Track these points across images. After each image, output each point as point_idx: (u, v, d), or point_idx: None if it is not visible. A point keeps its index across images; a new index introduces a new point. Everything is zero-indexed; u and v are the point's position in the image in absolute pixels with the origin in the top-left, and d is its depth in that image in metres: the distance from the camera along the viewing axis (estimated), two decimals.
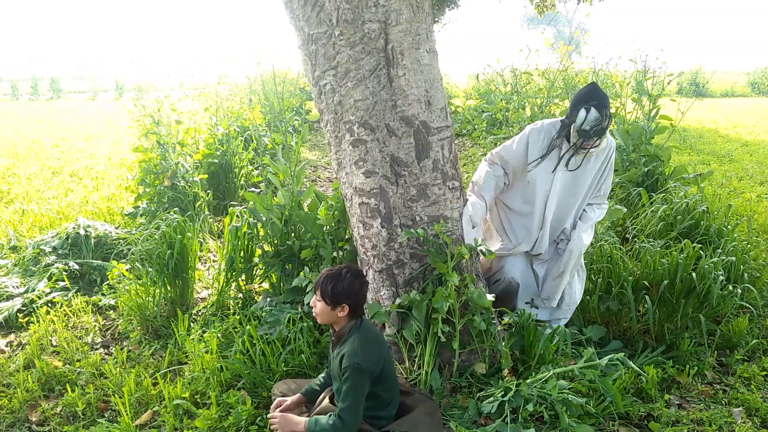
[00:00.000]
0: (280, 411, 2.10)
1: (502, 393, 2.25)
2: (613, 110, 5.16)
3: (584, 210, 2.87)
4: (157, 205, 4.55)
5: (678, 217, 3.67)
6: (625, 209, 3.54)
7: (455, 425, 2.17)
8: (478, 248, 2.46)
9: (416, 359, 2.48)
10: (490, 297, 2.49)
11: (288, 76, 12.82)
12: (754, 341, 2.91)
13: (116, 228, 4.33)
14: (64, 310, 3.26)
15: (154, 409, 2.40)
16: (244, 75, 9.25)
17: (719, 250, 3.11)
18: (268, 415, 2.10)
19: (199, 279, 3.66)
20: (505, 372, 2.52)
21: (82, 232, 3.95)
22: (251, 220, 3.21)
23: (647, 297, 2.89)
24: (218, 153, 5.32)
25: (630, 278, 2.98)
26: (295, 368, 2.56)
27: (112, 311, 3.37)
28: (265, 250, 3.18)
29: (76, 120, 14.05)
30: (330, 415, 1.94)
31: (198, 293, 3.54)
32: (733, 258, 3.06)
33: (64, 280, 3.56)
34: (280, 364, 2.52)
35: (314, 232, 2.89)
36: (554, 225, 2.86)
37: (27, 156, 8.42)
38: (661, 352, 2.78)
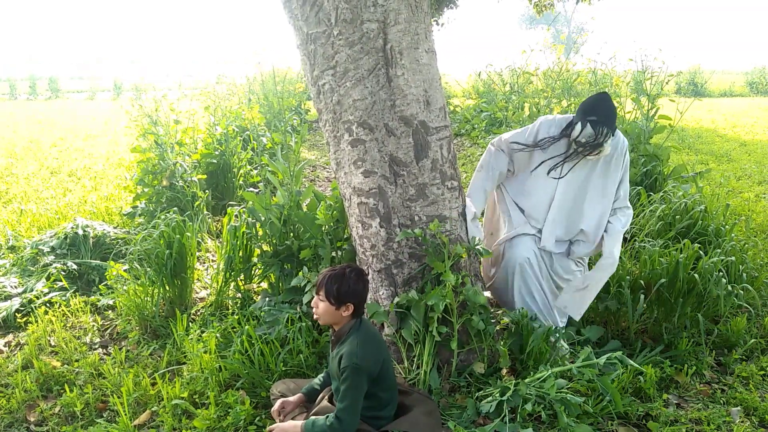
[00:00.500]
0: (282, 411, 2.11)
1: (501, 392, 2.25)
2: None
3: (609, 221, 2.79)
4: (156, 205, 4.55)
5: (676, 216, 3.67)
6: None
7: (454, 425, 2.17)
8: (476, 248, 2.46)
9: (415, 359, 2.48)
10: (487, 294, 2.50)
11: (288, 76, 12.81)
12: (753, 341, 2.92)
13: (115, 228, 4.32)
14: (63, 310, 3.25)
15: (153, 409, 2.40)
16: (244, 75, 9.25)
17: (718, 250, 3.11)
18: (267, 430, 2.10)
19: (197, 279, 3.65)
20: (504, 371, 2.52)
21: (80, 232, 3.94)
22: (250, 219, 3.21)
23: (645, 296, 2.89)
24: (217, 153, 5.31)
25: (628, 278, 2.98)
26: (294, 368, 2.56)
27: (110, 311, 3.36)
28: (264, 249, 3.18)
29: (75, 120, 14.02)
30: (327, 416, 1.94)
31: (196, 293, 3.53)
32: (733, 258, 3.07)
33: (62, 280, 3.55)
34: (278, 364, 2.52)
35: (313, 231, 2.89)
36: (565, 224, 2.80)
37: (25, 156, 8.41)
38: (660, 352, 2.78)
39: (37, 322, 3.06)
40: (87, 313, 3.27)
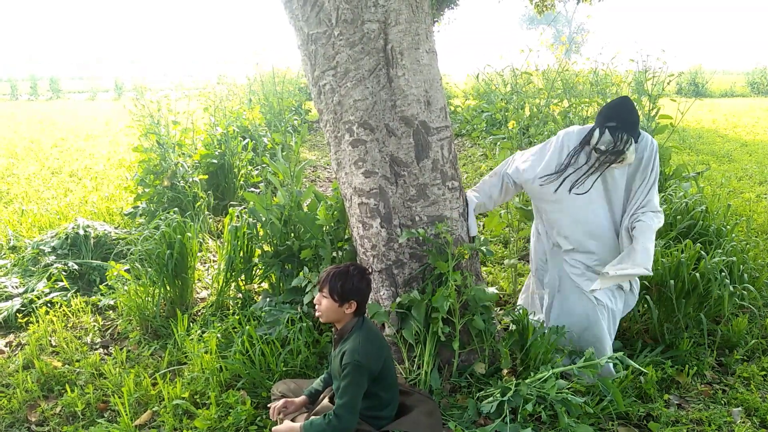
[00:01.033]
0: (283, 410, 2.11)
1: (502, 393, 2.25)
2: None
3: (640, 219, 2.41)
4: (157, 205, 4.55)
5: (678, 216, 3.67)
6: None
7: (454, 425, 2.17)
8: (480, 249, 2.46)
9: (416, 359, 2.48)
10: (492, 290, 2.50)
11: (287, 76, 12.82)
12: (754, 341, 2.91)
13: (115, 228, 4.32)
14: (64, 311, 3.26)
15: (154, 409, 2.40)
16: (244, 75, 9.25)
17: (719, 250, 3.11)
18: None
19: (198, 279, 3.66)
20: (505, 372, 2.52)
21: (81, 232, 3.95)
22: (251, 220, 3.21)
23: (647, 297, 2.89)
24: (217, 153, 5.32)
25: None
26: (295, 368, 2.56)
27: (111, 311, 3.36)
28: (265, 250, 3.18)
29: (76, 120, 14.04)
30: (326, 414, 1.95)
31: (197, 293, 3.53)
32: (734, 258, 3.07)
33: (63, 281, 3.55)
34: (279, 364, 2.52)
35: (314, 232, 2.89)
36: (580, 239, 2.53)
37: (26, 156, 8.42)
38: (661, 352, 2.78)
39: (38, 322, 3.06)
40: (88, 313, 3.27)
